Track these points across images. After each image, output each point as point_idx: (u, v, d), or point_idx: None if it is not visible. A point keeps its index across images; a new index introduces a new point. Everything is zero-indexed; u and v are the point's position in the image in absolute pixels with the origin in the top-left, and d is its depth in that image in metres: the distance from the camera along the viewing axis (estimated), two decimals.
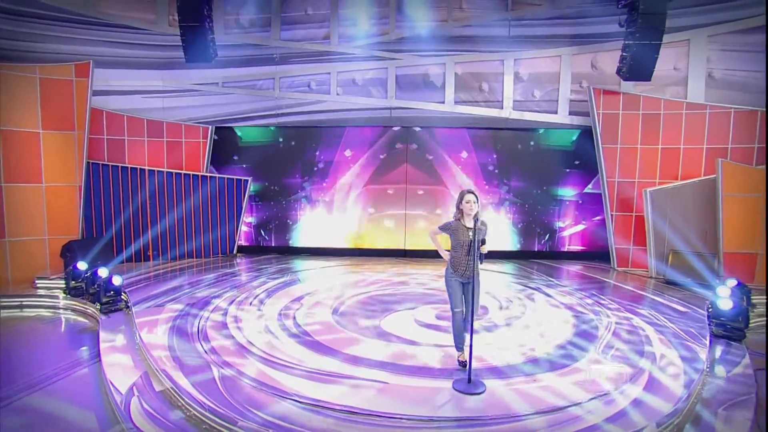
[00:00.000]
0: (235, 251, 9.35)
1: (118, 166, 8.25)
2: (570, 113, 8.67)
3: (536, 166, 9.24)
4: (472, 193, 3.69)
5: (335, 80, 8.94)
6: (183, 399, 3.40)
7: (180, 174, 8.71)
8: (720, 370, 4.26)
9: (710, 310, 5.38)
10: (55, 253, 7.23)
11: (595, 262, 9.08)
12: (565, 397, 3.43)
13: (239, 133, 9.42)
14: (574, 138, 9.03)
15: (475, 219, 3.49)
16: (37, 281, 6.77)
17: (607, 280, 7.75)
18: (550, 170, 9.24)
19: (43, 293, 6.51)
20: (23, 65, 7.19)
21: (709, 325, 5.22)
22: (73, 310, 6.19)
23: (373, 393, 3.48)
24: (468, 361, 3.58)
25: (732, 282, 5.85)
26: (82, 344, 5.04)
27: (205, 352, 4.27)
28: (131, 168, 8.35)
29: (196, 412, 3.26)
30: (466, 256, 3.68)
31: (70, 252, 7.07)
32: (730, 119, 7.66)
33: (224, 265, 8.41)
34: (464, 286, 3.81)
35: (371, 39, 8.77)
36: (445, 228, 3.87)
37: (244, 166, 9.45)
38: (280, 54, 8.88)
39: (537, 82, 8.72)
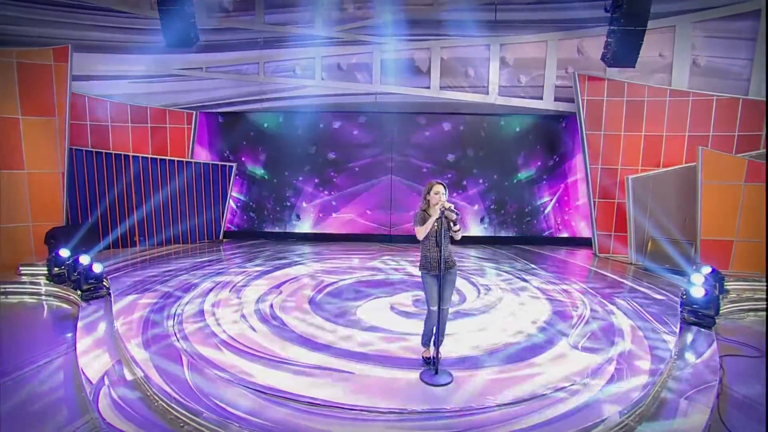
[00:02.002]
0: (221, 237, 9.40)
1: (102, 152, 8.21)
2: (555, 99, 8.61)
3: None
4: (441, 184, 3.62)
5: (320, 65, 8.83)
6: (151, 389, 3.48)
7: (165, 160, 8.68)
8: (687, 358, 4.35)
9: (684, 297, 5.47)
10: (40, 240, 7.26)
11: (577, 248, 9.21)
12: (531, 388, 3.49)
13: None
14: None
15: (441, 210, 3.48)
16: (21, 268, 6.80)
17: (588, 266, 7.85)
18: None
19: (27, 280, 6.55)
20: (0, 49, 7.08)
21: (681, 312, 5.31)
22: (56, 296, 6.23)
23: (339, 384, 3.55)
24: (435, 352, 3.65)
25: (706, 269, 5.95)
26: (62, 331, 5.07)
27: (178, 340, 4.34)
28: (115, 154, 8.30)
29: (163, 403, 3.34)
30: (436, 248, 3.67)
31: (54, 238, 7.10)
32: (712, 107, 7.64)
33: (209, 251, 8.47)
34: (439, 281, 3.70)
35: (356, 23, 8.62)
36: (418, 220, 3.85)
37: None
38: (264, 38, 8.74)
39: (523, 68, 8.63)
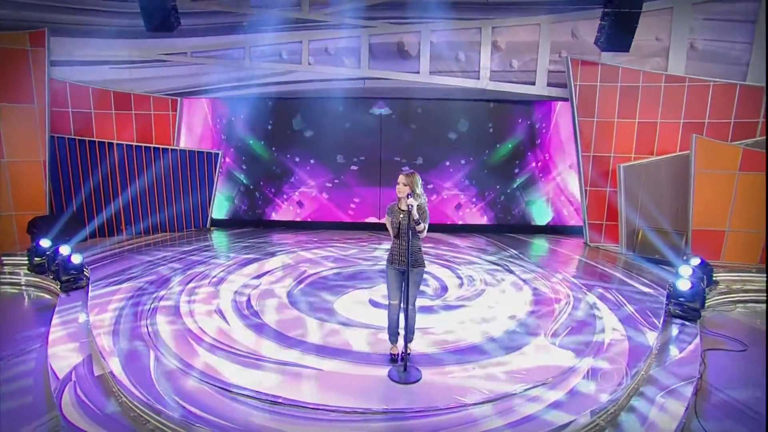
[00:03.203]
0: (208, 225, 9.32)
1: (85, 140, 8.05)
2: (548, 84, 8.37)
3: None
4: (405, 175, 3.49)
5: (307, 49, 8.60)
6: (116, 385, 3.43)
7: (149, 147, 8.54)
8: (668, 352, 4.26)
9: (670, 289, 5.37)
10: (23, 229, 7.19)
11: (567, 237, 9.10)
12: (502, 386, 3.40)
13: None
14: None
15: (409, 206, 3.34)
16: (3, 258, 6.74)
17: (577, 256, 7.74)
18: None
19: (8, 270, 6.50)
20: None
21: (666, 304, 5.22)
22: (37, 287, 6.19)
23: (306, 381, 3.48)
24: (404, 349, 3.58)
25: (695, 261, 5.84)
26: (40, 323, 5.02)
27: (149, 335, 4.28)
28: (99, 142, 8.16)
29: (126, 399, 3.29)
30: (398, 240, 3.57)
31: (36, 228, 7.03)
32: (709, 93, 7.39)
33: (196, 240, 8.39)
34: (402, 276, 3.62)
35: (344, 5, 8.35)
36: (388, 210, 3.73)
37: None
38: (249, 21, 8.47)
39: (515, 52, 8.36)
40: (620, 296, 5.59)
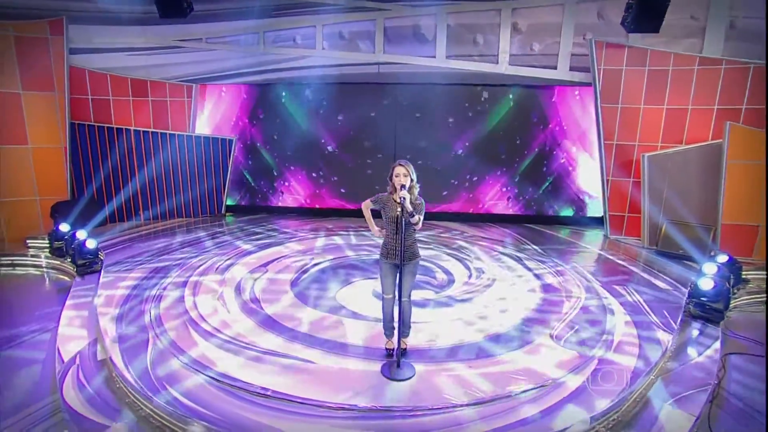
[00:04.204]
0: (223, 211, 9.42)
1: (104, 127, 8.22)
2: (571, 69, 7.94)
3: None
4: (403, 165, 3.36)
5: (321, 34, 8.44)
6: (113, 371, 3.50)
7: (165, 133, 8.65)
8: (683, 356, 4.02)
9: (692, 288, 5.06)
10: (47, 214, 7.44)
11: (587, 228, 8.77)
12: (497, 388, 3.27)
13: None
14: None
15: (402, 198, 3.22)
16: (28, 241, 7.01)
17: (596, 249, 7.41)
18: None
19: (33, 253, 6.76)
20: None
21: (686, 304, 4.92)
22: (57, 269, 6.42)
23: (298, 374, 3.44)
24: (398, 344, 3.50)
25: (723, 258, 5.49)
26: (57, 304, 5.16)
27: (150, 320, 4.34)
28: (117, 128, 8.31)
29: (122, 385, 3.35)
30: (395, 235, 3.45)
31: (58, 212, 7.26)
32: (748, 76, 6.82)
33: (211, 225, 8.50)
34: (397, 270, 3.50)
35: None
36: (376, 200, 3.60)
37: None
38: (262, 6, 8.37)
39: (536, 34, 7.94)
40: (636, 294, 5.31)
